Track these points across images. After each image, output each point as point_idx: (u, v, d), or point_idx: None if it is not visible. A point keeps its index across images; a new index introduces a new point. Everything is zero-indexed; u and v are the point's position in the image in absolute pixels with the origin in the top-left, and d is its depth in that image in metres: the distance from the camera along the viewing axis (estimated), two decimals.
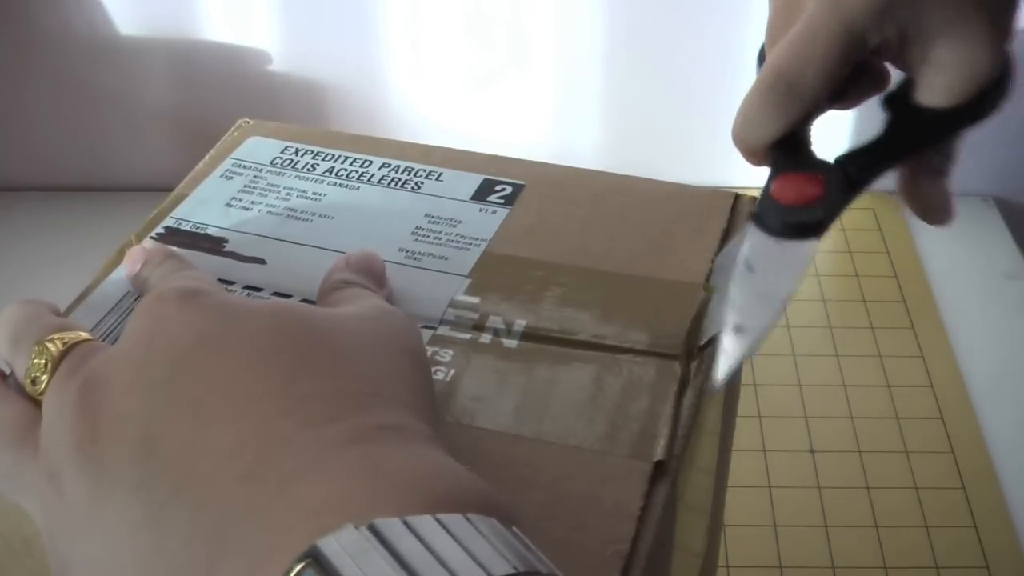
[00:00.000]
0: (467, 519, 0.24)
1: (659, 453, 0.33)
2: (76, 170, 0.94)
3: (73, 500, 0.28)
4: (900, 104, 0.40)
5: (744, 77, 0.97)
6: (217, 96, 0.90)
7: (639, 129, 0.93)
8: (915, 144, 0.41)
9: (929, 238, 0.91)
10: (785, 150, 0.40)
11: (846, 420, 0.75)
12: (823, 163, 0.40)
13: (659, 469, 0.33)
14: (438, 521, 0.23)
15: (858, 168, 0.40)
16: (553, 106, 0.93)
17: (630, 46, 0.89)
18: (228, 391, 0.28)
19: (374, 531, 0.23)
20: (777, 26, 0.42)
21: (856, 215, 0.93)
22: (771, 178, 0.40)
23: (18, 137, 0.93)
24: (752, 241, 0.38)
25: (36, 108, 0.91)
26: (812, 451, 0.73)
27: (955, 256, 0.89)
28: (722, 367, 0.36)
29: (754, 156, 0.41)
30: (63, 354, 0.31)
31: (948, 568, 0.66)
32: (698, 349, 0.37)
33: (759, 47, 0.45)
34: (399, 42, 0.88)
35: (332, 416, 0.28)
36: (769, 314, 0.37)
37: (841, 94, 0.40)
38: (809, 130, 0.41)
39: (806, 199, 0.39)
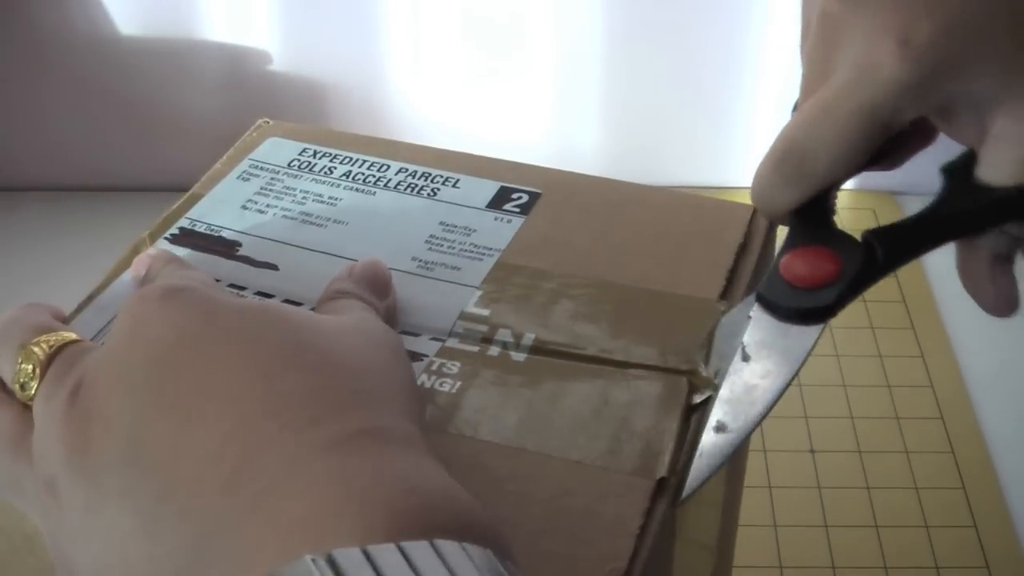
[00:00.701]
0: (432, 546, 0.23)
1: (662, 470, 0.33)
2: (81, 170, 0.94)
3: (70, 508, 0.28)
4: (960, 177, 0.35)
5: (744, 77, 0.97)
6: (219, 96, 0.90)
7: (640, 128, 0.93)
8: (971, 225, 0.35)
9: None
10: (805, 219, 0.36)
11: (846, 420, 0.75)
12: (845, 238, 0.35)
13: (661, 486, 0.33)
14: (400, 550, 0.23)
15: (888, 248, 0.35)
16: (553, 105, 0.93)
17: (630, 45, 0.89)
18: (210, 390, 0.28)
19: (331, 563, 0.23)
20: (810, 83, 0.37)
21: (856, 215, 0.93)
22: (782, 251, 0.36)
23: (22, 137, 0.93)
24: (754, 322, 0.35)
25: (37, 108, 0.91)
26: (812, 451, 0.73)
27: (955, 256, 0.89)
28: (696, 470, 0.33)
29: (775, 221, 0.38)
30: (50, 358, 0.31)
31: (948, 568, 0.66)
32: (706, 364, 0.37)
33: (794, 102, 0.40)
34: (400, 42, 0.88)
35: (313, 417, 0.27)
36: (755, 412, 0.34)
37: (877, 158, 0.35)
38: (834, 198, 0.36)
39: (817, 280, 0.35)
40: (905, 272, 0.88)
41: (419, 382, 0.36)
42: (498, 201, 0.44)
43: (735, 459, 0.48)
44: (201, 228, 0.43)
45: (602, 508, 0.32)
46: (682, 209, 0.44)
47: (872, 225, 1.06)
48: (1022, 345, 0.81)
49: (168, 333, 0.29)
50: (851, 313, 0.90)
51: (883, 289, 0.86)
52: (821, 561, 0.66)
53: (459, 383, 0.36)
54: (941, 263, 0.97)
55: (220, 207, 0.44)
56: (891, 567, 0.66)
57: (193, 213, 0.44)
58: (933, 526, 0.68)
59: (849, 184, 1.13)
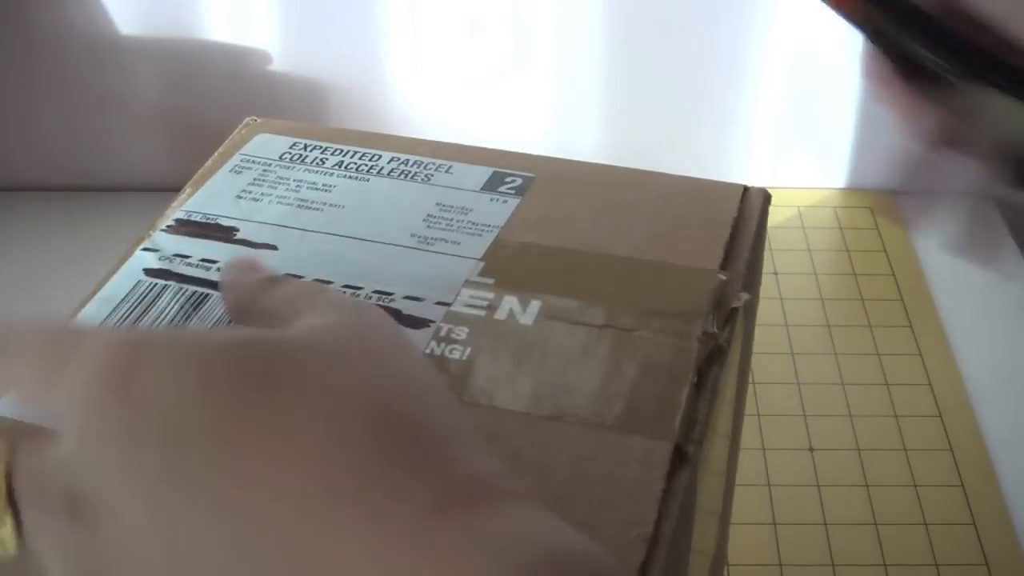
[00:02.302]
0: None
1: (678, 433, 0.33)
2: (77, 170, 0.94)
3: None
4: None
5: (746, 76, 0.97)
6: (218, 96, 0.90)
7: (640, 127, 0.93)
8: None
9: (928, 237, 0.91)
10: None
11: (845, 418, 0.75)
12: None
13: (680, 452, 0.33)
14: None
15: None
16: (554, 104, 0.93)
17: (631, 44, 0.89)
18: (246, 479, 0.23)
19: None
20: None
21: (854, 213, 0.93)
22: None
23: (18, 137, 0.93)
24: None
25: (37, 108, 0.91)
26: (811, 449, 0.73)
27: (955, 256, 0.89)
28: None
29: None
30: (9, 480, 0.25)
31: (947, 566, 0.66)
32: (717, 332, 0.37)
33: None
34: (400, 41, 0.88)
35: (390, 490, 0.22)
36: None
37: None
38: None
39: None
40: (903, 270, 0.88)
41: (428, 350, 0.36)
42: (492, 184, 0.45)
43: (728, 465, 0.48)
44: (197, 218, 0.43)
45: (623, 473, 0.32)
46: (675, 189, 0.45)
47: (870, 224, 1.05)
48: (1021, 343, 0.81)
49: (167, 417, 0.24)
50: (849, 311, 0.90)
51: (881, 287, 0.86)
52: (820, 559, 0.66)
53: (469, 349, 0.36)
54: (940, 262, 0.97)
55: (215, 199, 0.44)
56: (890, 565, 0.66)
57: (188, 206, 0.44)
58: (932, 524, 0.68)
59: (847, 183, 1.12)
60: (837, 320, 0.83)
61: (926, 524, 0.68)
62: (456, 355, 0.36)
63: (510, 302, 0.38)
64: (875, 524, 0.68)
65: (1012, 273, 0.33)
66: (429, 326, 0.37)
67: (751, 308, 0.46)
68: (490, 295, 0.39)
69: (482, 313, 0.38)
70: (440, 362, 0.36)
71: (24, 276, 0.85)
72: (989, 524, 0.68)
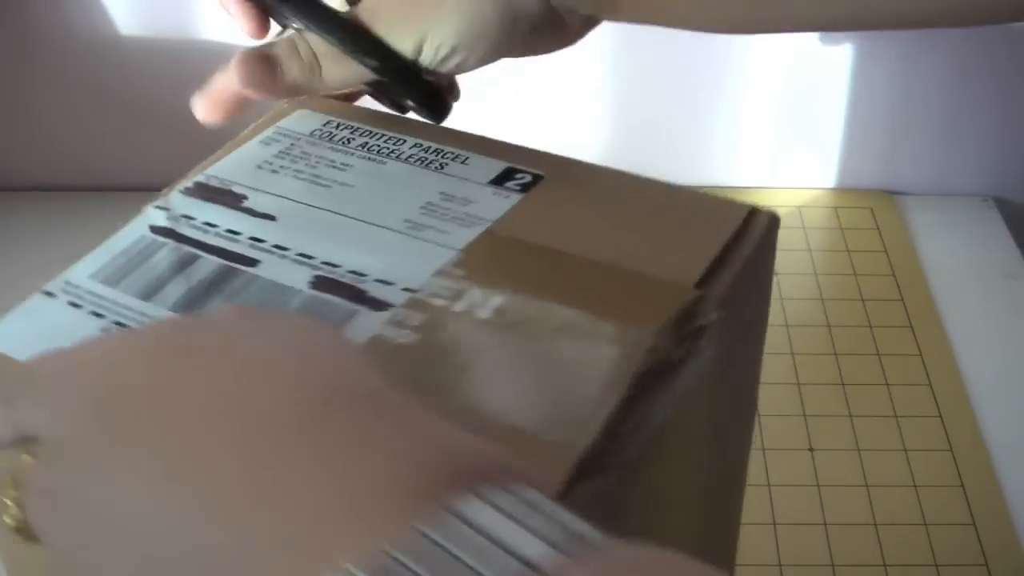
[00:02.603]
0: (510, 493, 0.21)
1: (598, 440, 0.33)
2: (77, 170, 0.94)
3: None
4: None
5: (746, 76, 0.97)
6: None
7: (639, 127, 0.93)
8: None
9: (928, 237, 0.91)
10: None
11: (845, 418, 0.75)
12: None
13: (595, 458, 0.33)
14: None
15: None
16: (554, 104, 0.93)
17: (631, 45, 0.89)
18: (172, 431, 0.25)
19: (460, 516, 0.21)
20: None
21: (854, 213, 0.93)
22: None
23: (22, 137, 0.93)
24: None
25: (38, 107, 0.92)
26: (811, 449, 0.73)
27: (955, 256, 0.89)
28: None
29: None
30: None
31: (947, 566, 0.66)
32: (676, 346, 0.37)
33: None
34: None
35: (268, 398, 0.25)
36: None
37: None
38: None
39: None
40: (903, 271, 0.88)
41: (378, 333, 0.37)
42: (501, 179, 0.46)
43: (708, 470, 0.47)
44: (214, 182, 0.45)
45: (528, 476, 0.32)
46: (680, 201, 0.45)
47: (870, 224, 1.05)
48: (1021, 343, 0.81)
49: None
50: (849, 311, 0.90)
51: (881, 288, 0.86)
52: (820, 559, 0.66)
53: (417, 336, 0.37)
54: (940, 263, 0.97)
55: (237, 166, 0.46)
56: (890, 565, 0.66)
57: (211, 170, 0.46)
58: (932, 524, 0.68)
59: (847, 183, 1.12)
60: (837, 320, 0.83)
61: (926, 524, 0.68)
62: (403, 340, 0.37)
63: (472, 295, 0.39)
64: (875, 524, 0.68)
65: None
66: (387, 309, 0.38)
67: (750, 327, 0.46)
68: (456, 286, 0.39)
69: (442, 303, 0.38)
70: (385, 345, 0.37)
71: (24, 276, 0.85)
72: (989, 524, 0.68)
